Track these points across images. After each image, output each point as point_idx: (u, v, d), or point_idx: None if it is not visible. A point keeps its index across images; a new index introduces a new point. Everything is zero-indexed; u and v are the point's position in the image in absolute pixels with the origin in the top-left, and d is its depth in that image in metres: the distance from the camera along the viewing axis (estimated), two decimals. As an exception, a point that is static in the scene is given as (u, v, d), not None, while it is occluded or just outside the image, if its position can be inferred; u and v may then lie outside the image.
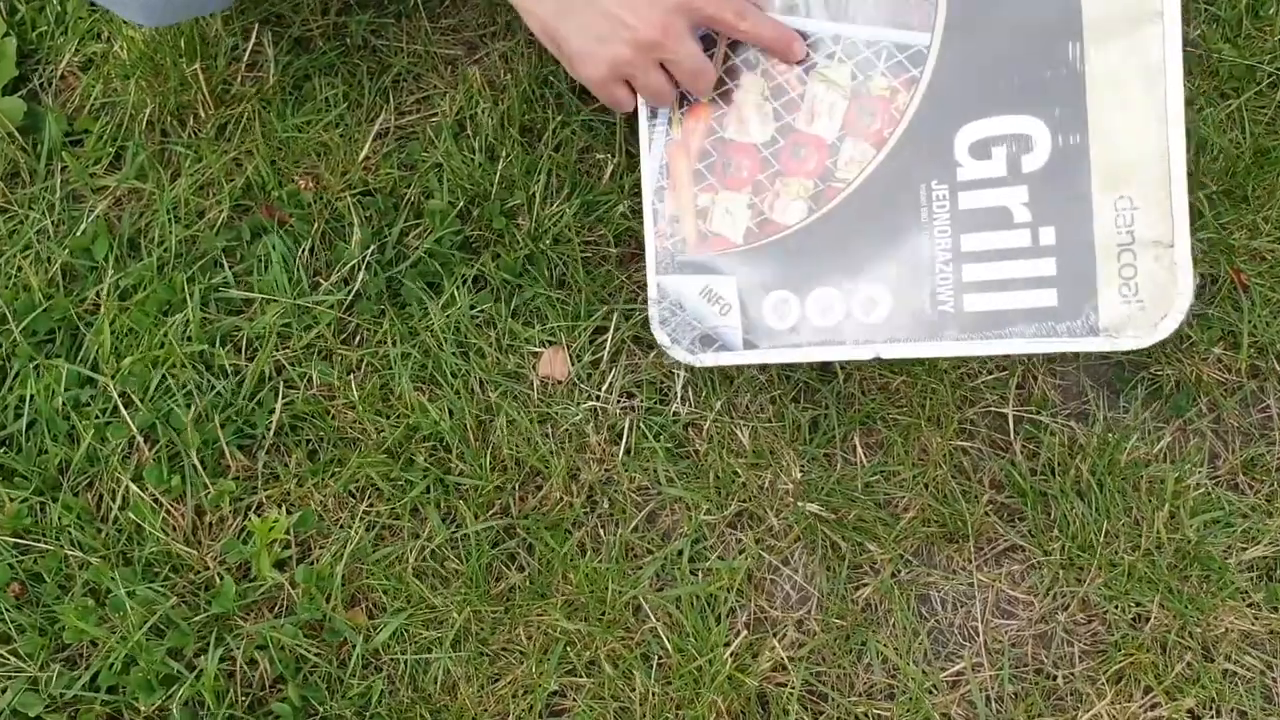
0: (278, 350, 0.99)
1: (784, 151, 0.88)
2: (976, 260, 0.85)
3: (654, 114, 0.91)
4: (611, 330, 1.01)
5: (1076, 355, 1.02)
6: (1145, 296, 0.81)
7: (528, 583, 0.95)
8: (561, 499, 0.97)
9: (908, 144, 0.86)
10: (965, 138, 0.85)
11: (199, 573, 0.94)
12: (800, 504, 0.96)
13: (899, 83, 0.86)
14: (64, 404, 0.97)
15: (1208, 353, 1.01)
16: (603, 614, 0.93)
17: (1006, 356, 1.00)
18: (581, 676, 0.93)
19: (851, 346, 0.87)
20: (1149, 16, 0.80)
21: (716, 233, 0.90)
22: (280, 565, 0.95)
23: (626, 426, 0.99)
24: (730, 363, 0.91)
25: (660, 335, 0.92)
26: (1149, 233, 0.81)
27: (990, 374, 1.00)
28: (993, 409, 0.99)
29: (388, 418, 0.98)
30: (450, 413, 0.98)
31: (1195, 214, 1.02)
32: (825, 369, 1.00)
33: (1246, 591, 0.95)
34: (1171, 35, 0.80)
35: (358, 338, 1.01)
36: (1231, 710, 0.93)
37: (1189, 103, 1.06)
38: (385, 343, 1.00)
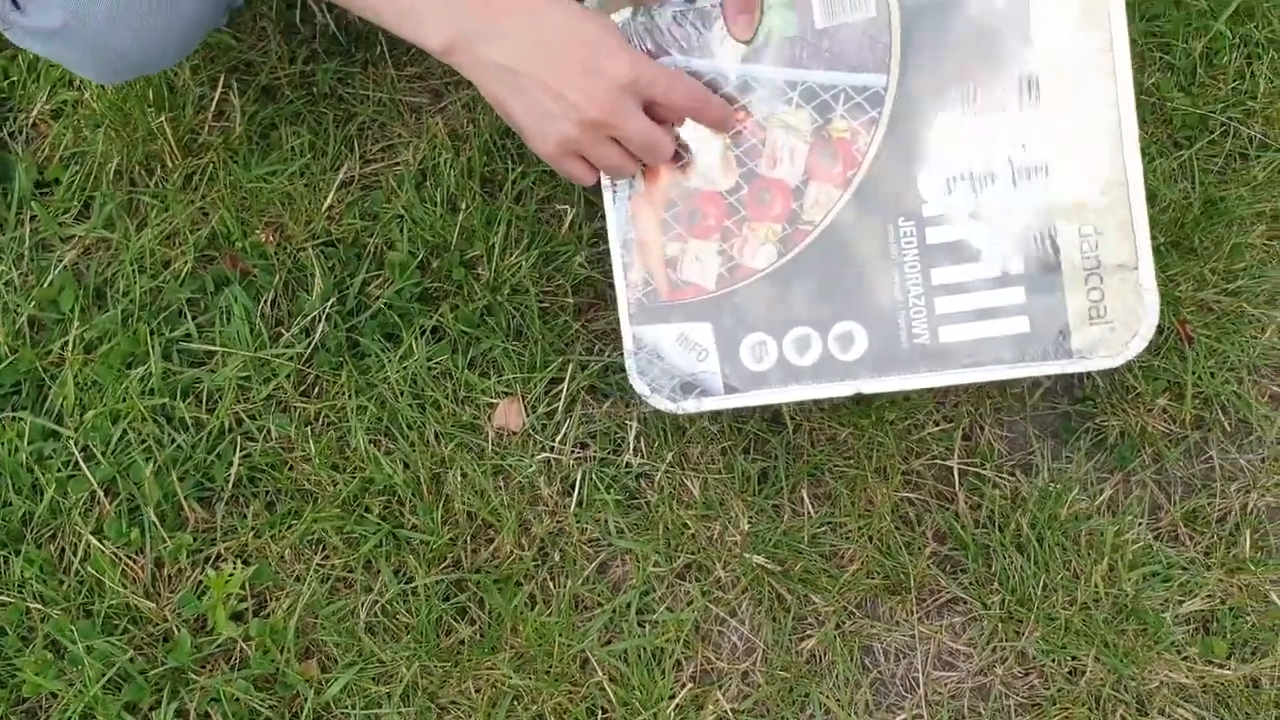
0: (237, 403, 1.02)
1: (749, 197, 0.90)
2: (948, 293, 0.87)
3: None
4: (567, 380, 1.03)
5: (1023, 404, 1.03)
6: (1114, 318, 0.85)
7: (477, 636, 0.97)
8: (512, 552, 0.99)
9: (871, 184, 0.88)
10: (928, 174, 0.87)
11: (157, 625, 0.96)
12: (747, 555, 0.98)
13: (859, 124, 0.87)
14: (28, 458, 0.99)
15: (1152, 404, 1.03)
16: (550, 668, 0.95)
17: (954, 406, 1.02)
18: (528, 729, 0.96)
19: (832, 384, 0.89)
20: (1101, 48, 0.83)
21: (688, 281, 0.91)
22: (237, 616, 0.97)
23: (579, 478, 1.01)
24: (713, 408, 0.92)
25: (639, 385, 0.93)
26: (1113, 258, 0.84)
27: (936, 425, 1.02)
28: (938, 461, 1.01)
29: (343, 471, 1.00)
30: (405, 465, 1.00)
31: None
32: (775, 420, 1.02)
33: (1182, 645, 0.96)
34: (1122, 65, 0.83)
35: (316, 389, 1.03)
36: (1166, 762, 0.95)
37: (1141, 152, 1.07)
38: (343, 394, 1.02)
